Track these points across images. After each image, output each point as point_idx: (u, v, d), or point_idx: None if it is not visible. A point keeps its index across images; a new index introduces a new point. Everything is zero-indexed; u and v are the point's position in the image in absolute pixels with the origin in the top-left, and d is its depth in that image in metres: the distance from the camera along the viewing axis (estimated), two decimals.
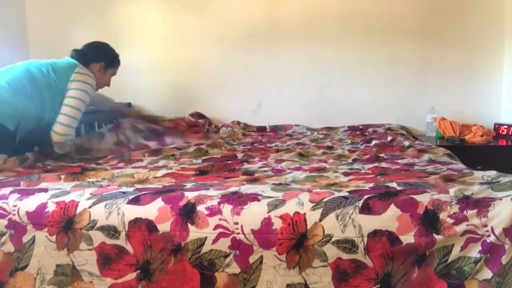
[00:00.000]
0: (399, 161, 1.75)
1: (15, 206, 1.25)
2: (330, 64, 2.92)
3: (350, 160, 1.80)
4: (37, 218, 1.22)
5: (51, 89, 1.85)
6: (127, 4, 3.01)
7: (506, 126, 2.71)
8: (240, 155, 1.97)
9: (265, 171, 1.60)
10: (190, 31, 2.98)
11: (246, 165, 1.72)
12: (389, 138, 2.38)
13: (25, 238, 1.21)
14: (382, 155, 1.90)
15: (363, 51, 2.89)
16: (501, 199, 1.10)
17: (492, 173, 1.39)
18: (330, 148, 2.19)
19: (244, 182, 1.40)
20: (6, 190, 1.33)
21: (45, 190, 1.33)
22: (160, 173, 1.58)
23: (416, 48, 2.86)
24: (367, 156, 1.89)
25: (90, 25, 3.04)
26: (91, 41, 2.17)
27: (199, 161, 1.87)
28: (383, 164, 1.68)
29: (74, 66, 1.95)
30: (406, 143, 2.20)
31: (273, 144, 2.36)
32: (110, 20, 3.02)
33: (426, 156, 1.82)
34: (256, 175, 1.52)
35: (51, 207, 1.22)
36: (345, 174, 1.51)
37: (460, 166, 1.61)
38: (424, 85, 2.89)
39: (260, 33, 2.93)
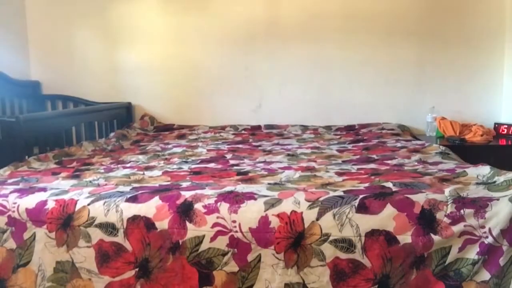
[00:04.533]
0: (389, 161, 1.75)
1: (14, 203, 1.26)
2: (330, 64, 2.92)
3: (340, 161, 1.80)
4: (36, 215, 1.23)
5: None
6: (127, 4, 3.01)
7: (506, 126, 2.71)
8: (228, 156, 1.97)
9: (258, 171, 1.60)
10: (190, 31, 2.98)
11: (238, 166, 1.72)
12: (377, 140, 2.35)
13: (26, 235, 1.23)
14: (373, 156, 1.89)
15: (363, 51, 2.88)
16: (498, 200, 1.10)
17: (486, 170, 1.39)
18: (317, 148, 2.16)
19: (239, 182, 1.40)
20: (6, 190, 1.35)
21: (44, 189, 1.34)
22: (155, 173, 1.59)
23: (416, 48, 2.85)
24: (357, 157, 1.89)
25: (90, 25, 3.04)
26: None
27: (189, 161, 1.87)
28: (372, 165, 1.68)
29: None
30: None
31: (258, 143, 2.35)
32: (110, 20, 3.02)
33: (416, 156, 1.82)
34: (250, 174, 1.53)
35: (51, 205, 1.24)
36: (339, 174, 1.51)
37: (450, 166, 1.61)
38: (424, 85, 2.88)
39: (260, 33, 2.93)
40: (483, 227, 1.06)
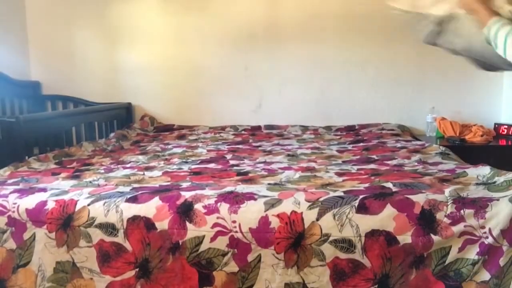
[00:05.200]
0: (389, 162, 1.75)
1: (14, 203, 1.26)
2: (330, 64, 2.92)
3: (340, 161, 1.80)
4: (36, 215, 1.23)
5: None
6: (127, 4, 3.01)
7: (506, 126, 2.71)
8: (228, 156, 1.97)
9: (259, 171, 1.60)
10: (190, 31, 2.98)
11: (238, 166, 1.72)
12: (377, 141, 2.34)
13: (26, 235, 1.23)
14: (373, 156, 1.89)
15: (363, 51, 2.88)
16: (498, 200, 1.10)
17: (486, 170, 1.39)
18: (317, 149, 2.16)
19: (239, 182, 1.40)
20: (6, 190, 1.35)
21: (44, 189, 1.34)
22: (155, 173, 1.59)
23: (416, 48, 2.85)
24: (357, 157, 1.89)
25: (90, 25, 3.04)
26: None
27: (189, 161, 1.86)
28: (372, 166, 1.67)
29: None
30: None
31: (258, 144, 2.35)
32: (110, 20, 3.02)
33: (416, 157, 1.81)
34: (250, 175, 1.53)
35: (51, 205, 1.24)
36: (339, 174, 1.51)
37: (450, 166, 1.61)
38: (424, 85, 2.89)
39: (260, 33, 2.93)
40: (483, 227, 1.06)
